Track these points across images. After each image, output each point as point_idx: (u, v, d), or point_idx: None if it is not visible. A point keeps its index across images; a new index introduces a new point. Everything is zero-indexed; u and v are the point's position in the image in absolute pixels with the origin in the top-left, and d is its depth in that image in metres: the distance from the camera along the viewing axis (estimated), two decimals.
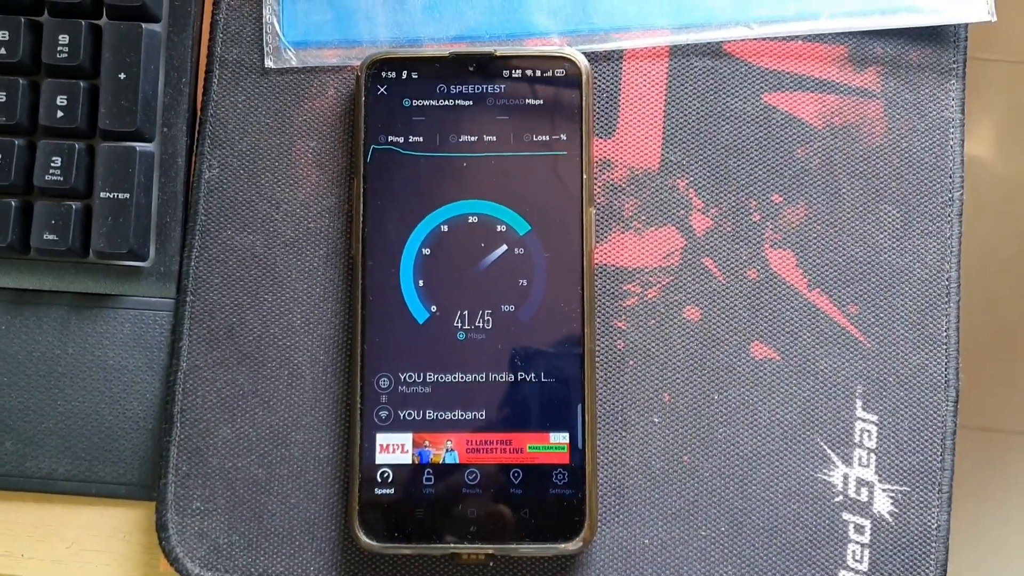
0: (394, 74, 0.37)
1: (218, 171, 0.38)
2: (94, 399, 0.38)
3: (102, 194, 0.37)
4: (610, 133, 0.38)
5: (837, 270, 0.37)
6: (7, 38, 0.37)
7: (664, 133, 0.38)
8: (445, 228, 0.37)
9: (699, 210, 0.38)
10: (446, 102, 0.37)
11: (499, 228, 0.36)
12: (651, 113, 0.38)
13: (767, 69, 0.38)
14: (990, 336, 1.01)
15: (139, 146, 0.38)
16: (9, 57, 0.37)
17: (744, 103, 0.38)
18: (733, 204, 0.38)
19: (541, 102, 0.37)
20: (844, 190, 0.38)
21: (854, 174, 0.38)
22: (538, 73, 0.37)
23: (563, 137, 0.37)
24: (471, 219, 0.37)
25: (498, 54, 0.37)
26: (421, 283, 0.36)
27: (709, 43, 0.38)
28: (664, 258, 0.38)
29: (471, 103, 0.37)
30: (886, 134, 0.38)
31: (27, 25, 0.38)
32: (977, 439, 1.01)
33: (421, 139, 0.37)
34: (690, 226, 0.38)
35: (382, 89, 0.37)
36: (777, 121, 0.38)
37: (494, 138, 0.37)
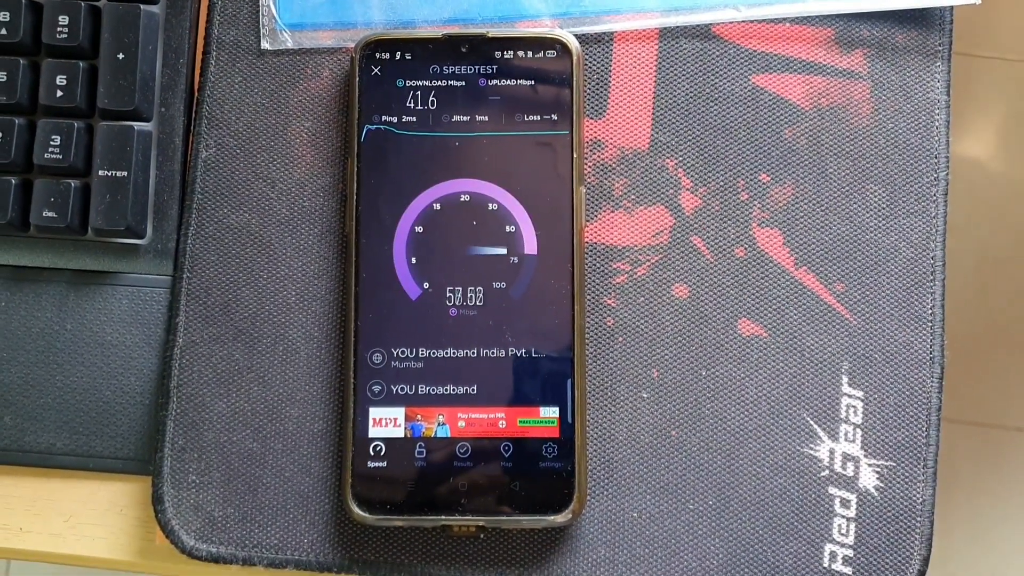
0: (388, 55, 0.38)
1: (215, 150, 0.39)
2: (92, 374, 0.38)
3: (100, 172, 0.38)
4: (600, 114, 0.39)
5: (824, 248, 0.38)
6: (8, 19, 0.38)
7: (654, 114, 0.39)
8: (437, 207, 0.37)
9: (688, 189, 0.38)
10: (439, 83, 0.38)
11: (490, 206, 0.37)
12: (641, 94, 0.39)
13: (755, 51, 0.39)
14: (986, 332, 1.02)
15: (137, 125, 0.38)
16: (10, 37, 0.38)
17: (732, 84, 0.39)
18: (721, 183, 0.38)
19: (533, 83, 0.38)
20: (831, 170, 0.38)
21: (841, 154, 0.38)
22: (530, 55, 0.38)
23: (554, 117, 0.37)
24: (463, 198, 0.37)
25: (491, 35, 0.38)
26: (414, 260, 0.37)
27: (698, 25, 0.39)
28: (653, 236, 0.38)
29: (464, 84, 0.38)
30: (872, 115, 0.39)
31: (28, 6, 0.38)
32: (973, 434, 1.01)
33: (414, 119, 0.38)
34: (679, 205, 0.38)
35: (376, 70, 0.38)
36: (765, 102, 0.39)
37: (486, 118, 0.37)
